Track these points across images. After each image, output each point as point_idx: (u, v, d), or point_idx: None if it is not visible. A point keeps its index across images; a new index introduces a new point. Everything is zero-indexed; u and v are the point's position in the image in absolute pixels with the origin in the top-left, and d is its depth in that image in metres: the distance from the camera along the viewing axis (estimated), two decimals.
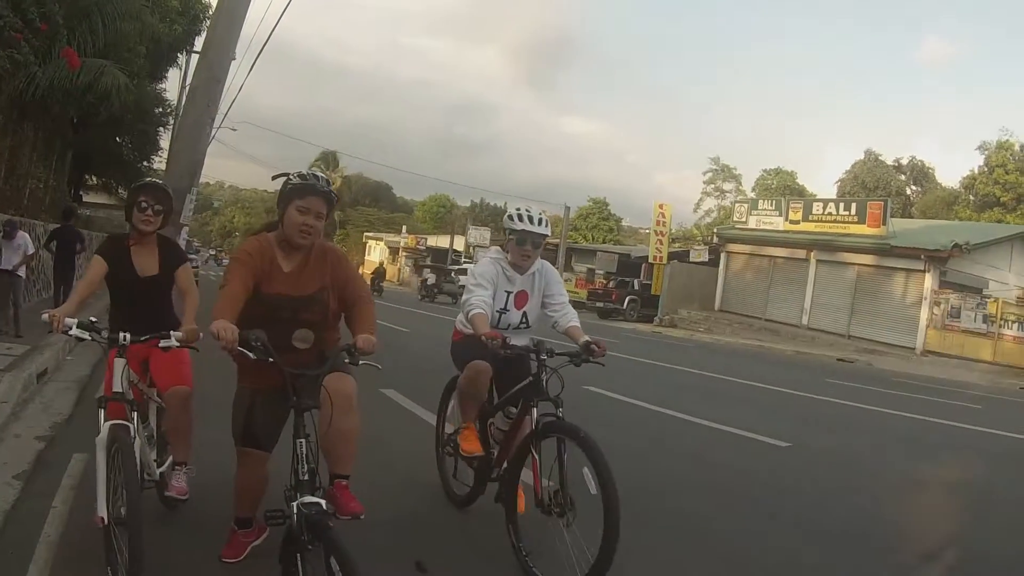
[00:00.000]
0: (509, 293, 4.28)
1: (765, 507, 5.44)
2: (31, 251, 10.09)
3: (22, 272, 9.93)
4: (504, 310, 4.27)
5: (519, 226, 4.14)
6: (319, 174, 3.11)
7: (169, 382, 3.71)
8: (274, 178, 3.22)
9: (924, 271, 26.21)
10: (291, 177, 3.07)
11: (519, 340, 4.20)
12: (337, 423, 2.97)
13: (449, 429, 4.68)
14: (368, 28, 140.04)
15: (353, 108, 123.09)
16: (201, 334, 3.39)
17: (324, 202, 3.06)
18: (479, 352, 3.99)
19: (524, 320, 4.35)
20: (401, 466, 5.34)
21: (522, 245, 4.18)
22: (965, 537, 5.23)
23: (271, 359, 2.73)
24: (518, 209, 4.20)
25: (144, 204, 3.78)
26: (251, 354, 2.72)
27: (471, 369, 4.16)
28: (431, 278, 38.86)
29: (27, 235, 10.24)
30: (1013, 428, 10.75)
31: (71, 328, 3.26)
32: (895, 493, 6.39)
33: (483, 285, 4.16)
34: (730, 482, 6.07)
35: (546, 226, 4.21)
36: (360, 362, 2.93)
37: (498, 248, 4.41)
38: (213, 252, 77.73)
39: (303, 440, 2.72)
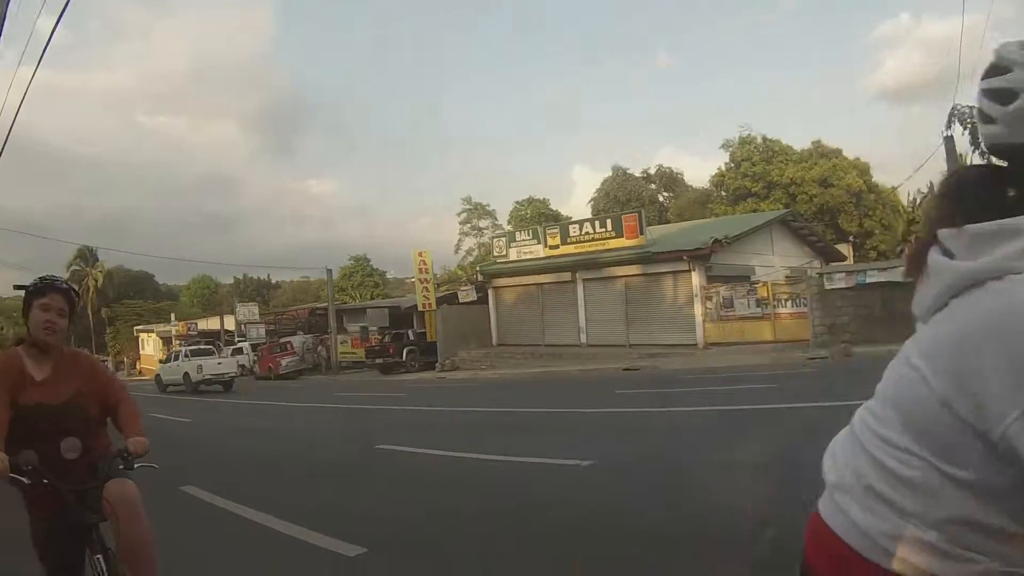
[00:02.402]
0: None
1: (572, 524, 5.28)
2: None
3: None
4: None
5: None
6: (56, 276, 3.18)
7: None
8: (15, 288, 3.27)
9: (689, 270, 26.76)
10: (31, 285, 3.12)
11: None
12: (126, 532, 2.90)
13: None
14: (102, 114, 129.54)
15: (102, 199, 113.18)
16: None
17: (64, 298, 3.07)
18: None
19: None
20: (210, 565, 5.01)
21: None
22: (778, 516, 4.71)
23: (46, 480, 2.73)
24: None
25: None
26: (24, 479, 2.70)
27: None
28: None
29: None
30: (808, 399, 10.86)
31: None
32: (705, 486, 6.18)
33: None
34: (530, 511, 5.85)
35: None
36: (135, 465, 2.94)
37: None
38: None
39: (100, 556, 2.81)
